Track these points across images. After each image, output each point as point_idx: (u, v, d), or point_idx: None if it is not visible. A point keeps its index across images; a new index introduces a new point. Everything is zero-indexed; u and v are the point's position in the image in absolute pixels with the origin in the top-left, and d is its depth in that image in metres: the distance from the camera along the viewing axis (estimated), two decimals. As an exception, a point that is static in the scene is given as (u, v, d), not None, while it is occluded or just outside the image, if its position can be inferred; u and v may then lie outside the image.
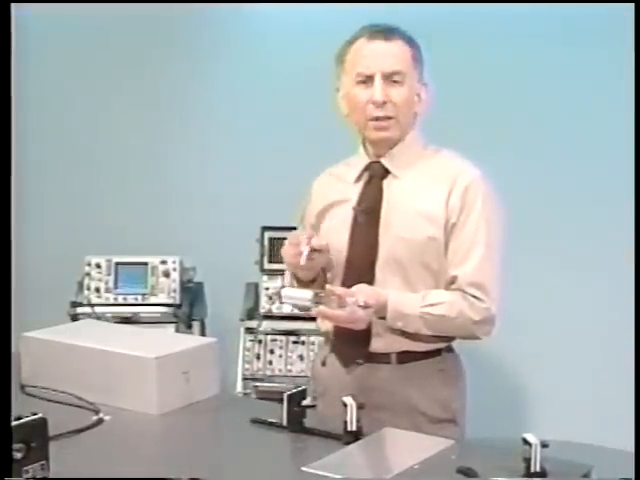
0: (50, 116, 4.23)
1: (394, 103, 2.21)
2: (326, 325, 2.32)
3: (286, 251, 2.24)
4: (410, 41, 2.24)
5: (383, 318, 2.18)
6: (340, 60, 2.27)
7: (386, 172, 2.28)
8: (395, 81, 2.20)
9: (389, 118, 2.22)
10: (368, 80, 2.21)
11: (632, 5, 2.81)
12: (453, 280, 2.20)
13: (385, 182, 2.28)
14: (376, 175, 2.29)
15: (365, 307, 2.09)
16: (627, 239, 2.72)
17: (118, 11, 3.93)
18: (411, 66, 2.23)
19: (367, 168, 2.31)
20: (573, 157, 3.43)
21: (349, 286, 2.15)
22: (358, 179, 2.32)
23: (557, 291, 3.46)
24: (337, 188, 2.36)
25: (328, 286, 2.13)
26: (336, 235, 2.28)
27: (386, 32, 2.22)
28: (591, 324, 3.39)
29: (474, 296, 2.17)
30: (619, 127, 3.25)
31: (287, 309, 3.39)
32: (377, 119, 2.23)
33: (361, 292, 2.12)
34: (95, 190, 4.19)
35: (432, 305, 2.17)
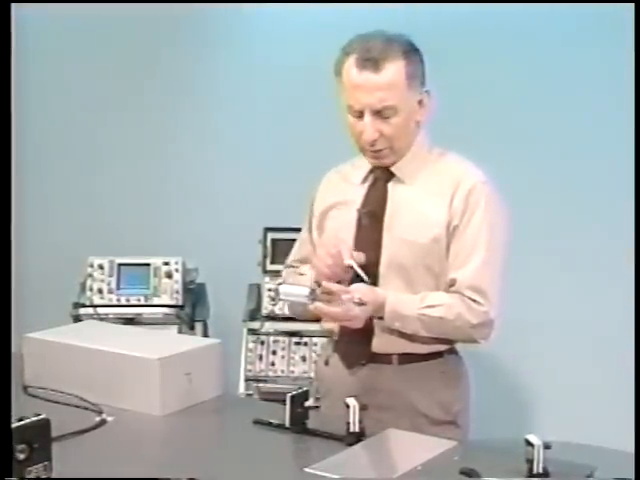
0: (51, 116, 4.23)
1: (386, 136, 2.18)
2: (330, 324, 2.32)
3: (321, 260, 2.20)
4: (407, 53, 2.17)
5: (381, 318, 2.19)
6: (337, 70, 2.21)
7: (391, 175, 2.28)
8: (386, 114, 2.15)
9: (383, 150, 2.21)
10: (359, 113, 2.17)
11: (632, 5, 2.82)
12: (453, 283, 2.20)
13: (390, 185, 2.28)
14: (381, 178, 2.29)
15: (360, 304, 2.10)
16: (627, 239, 2.72)
17: (118, 11, 3.94)
18: (405, 89, 2.16)
19: (372, 170, 2.31)
20: (573, 157, 3.43)
21: (352, 287, 2.16)
22: (364, 181, 2.32)
23: (557, 292, 3.46)
24: (342, 188, 2.36)
25: (324, 283, 2.13)
26: (340, 235, 2.27)
27: (377, 60, 2.12)
28: (592, 325, 3.38)
29: (473, 299, 2.17)
30: (619, 127, 3.25)
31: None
32: (372, 150, 2.22)
33: (357, 290, 2.12)
34: (97, 191, 4.20)
35: (430, 307, 2.17)
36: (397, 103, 2.16)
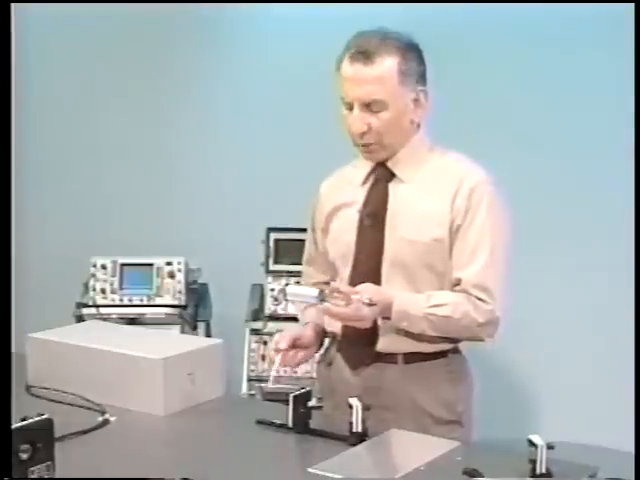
0: (51, 116, 4.24)
1: (374, 130, 2.18)
2: (333, 326, 2.32)
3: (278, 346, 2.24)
4: (402, 50, 2.16)
5: (388, 318, 2.19)
6: (337, 66, 2.22)
7: (392, 175, 2.28)
8: (375, 108, 2.16)
9: (372, 144, 2.22)
10: (350, 105, 2.18)
11: (632, 5, 2.82)
12: (457, 282, 2.20)
13: (391, 185, 2.28)
14: (382, 178, 2.29)
15: (370, 304, 2.10)
16: (627, 239, 2.72)
17: (118, 11, 3.94)
18: (396, 85, 2.16)
19: (373, 171, 2.31)
20: (574, 157, 3.42)
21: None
22: (365, 182, 2.32)
23: (558, 291, 3.45)
24: (344, 190, 2.36)
25: (333, 283, 2.14)
26: (343, 237, 2.29)
27: (370, 53, 2.13)
28: (593, 325, 3.38)
29: (478, 298, 2.17)
30: (619, 127, 3.25)
31: (292, 310, 3.39)
32: (361, 143, 2.22)
33: (366, 290, 2.12)
34: (100, 191, 4.20)
35: (437, 306, 2.17)
36: (386, 98, 2.16)
